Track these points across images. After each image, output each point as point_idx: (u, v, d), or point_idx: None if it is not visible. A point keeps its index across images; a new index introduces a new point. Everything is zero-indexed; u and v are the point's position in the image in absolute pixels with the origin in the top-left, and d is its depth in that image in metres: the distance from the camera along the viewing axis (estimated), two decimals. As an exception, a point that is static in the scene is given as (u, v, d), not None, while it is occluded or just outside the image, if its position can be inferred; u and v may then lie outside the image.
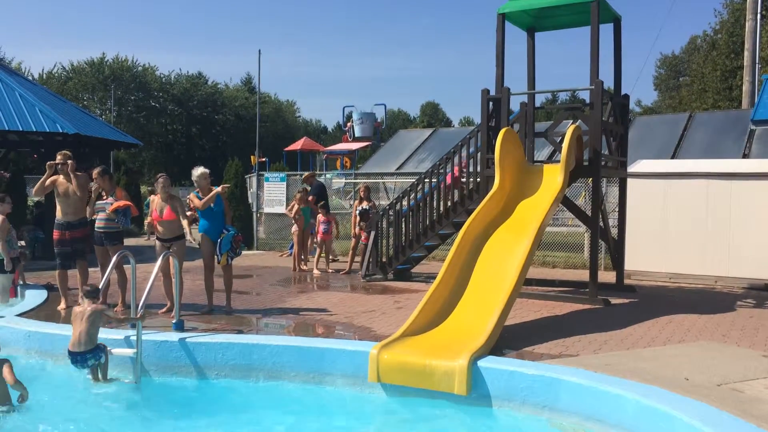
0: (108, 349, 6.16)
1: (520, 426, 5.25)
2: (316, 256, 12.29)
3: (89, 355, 5.94)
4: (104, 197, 8.17)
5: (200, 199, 7.96)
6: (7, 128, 12.71)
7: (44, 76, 52.78)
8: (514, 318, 7.57)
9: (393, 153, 19.37)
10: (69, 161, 8.13)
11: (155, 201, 7.97)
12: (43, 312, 7.93)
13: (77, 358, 5.92)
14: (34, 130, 12.85)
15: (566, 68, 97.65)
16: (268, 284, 10.51)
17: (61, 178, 8.18)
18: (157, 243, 7.98)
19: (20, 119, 12.88)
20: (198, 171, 8.12)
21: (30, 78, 31.44)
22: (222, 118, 56.77)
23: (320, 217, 12.37)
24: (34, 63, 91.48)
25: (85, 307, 6.03)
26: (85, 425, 5.24)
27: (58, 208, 8.21)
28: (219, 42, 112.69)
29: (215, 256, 7.99)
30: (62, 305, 8.13)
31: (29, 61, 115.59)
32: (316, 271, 11.93)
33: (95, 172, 8.18)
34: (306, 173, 14.98)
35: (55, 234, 8.19)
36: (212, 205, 7.93)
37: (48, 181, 8.17)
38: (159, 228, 7.91)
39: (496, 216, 8.08)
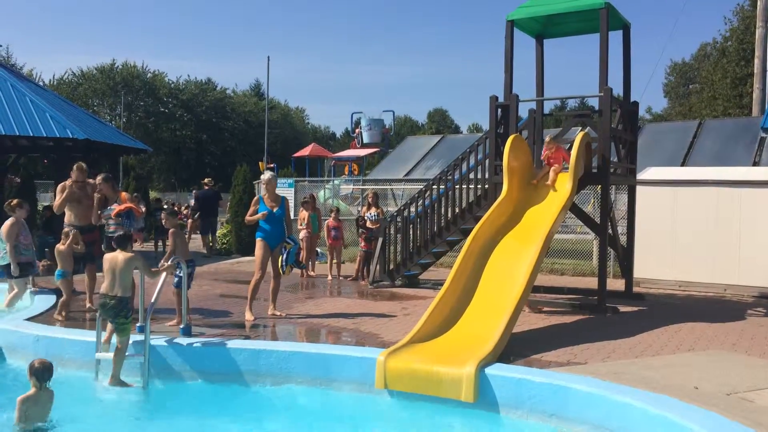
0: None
1: (527, 434, 5.23)
2: (328, 262, 12.28)
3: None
4: (109, 203, 8.23)
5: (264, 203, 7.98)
6: (18, 134, 12.81)
7: (55, 82, 53.09)
8: (522, 325, 7.53)
9: (401, 159, 19.35)
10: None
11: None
12: (52, 316, 7.95)
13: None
14: (45, 135, 12.95)
15: (575, 75, 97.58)
16: (276, 290, 10.50)
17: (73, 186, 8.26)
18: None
19: (31, 125, 12.97)
20: (267, 175, 8.20)
21: (41, 84, 31.64)
22: (231, 124, 56.93)
23: (330, 222, 12.36)
24: (45, 69, 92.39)
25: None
26: (93, 429, 5.27)
27: (68, 213, 8.27)
28: (228, 48, 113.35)
29: (280, 265, 7.94)
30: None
31: (40, 67, 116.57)
32: (329, 278, 11.99)
33: (98, 179, 8.25)
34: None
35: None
36: (275, 209, 7.89)
37: (66, 195, 8.28)
38: None
39: (504, 223, 8.07)
